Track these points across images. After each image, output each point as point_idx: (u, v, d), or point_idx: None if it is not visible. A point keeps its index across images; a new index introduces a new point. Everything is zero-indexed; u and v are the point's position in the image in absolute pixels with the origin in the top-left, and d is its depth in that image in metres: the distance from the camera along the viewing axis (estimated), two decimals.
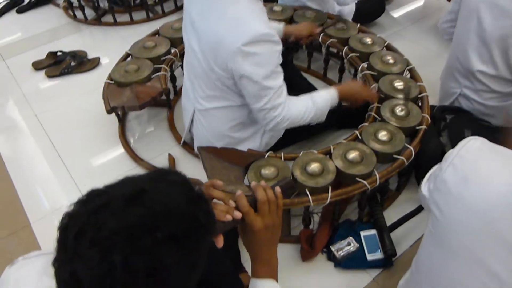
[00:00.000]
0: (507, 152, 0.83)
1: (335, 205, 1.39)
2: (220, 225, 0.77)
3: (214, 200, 0.81)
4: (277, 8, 2.09)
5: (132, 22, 2.62)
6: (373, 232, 1.43)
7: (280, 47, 1.27)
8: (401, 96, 1.59)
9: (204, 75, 1.38)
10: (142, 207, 0.53)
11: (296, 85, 1.90)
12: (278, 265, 0.89)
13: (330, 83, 2.11)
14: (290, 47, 2.22)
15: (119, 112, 1.84)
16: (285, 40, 1.82)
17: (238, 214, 0.78)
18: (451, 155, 0.86)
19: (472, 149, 0.84)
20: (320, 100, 1.43)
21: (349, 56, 1.85)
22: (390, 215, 1.52)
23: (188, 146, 1.80)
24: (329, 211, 1.43)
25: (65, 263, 0.51)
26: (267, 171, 1.33)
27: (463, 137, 1.50)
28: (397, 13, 2.80)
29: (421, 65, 1.96)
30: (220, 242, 0.79)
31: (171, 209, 0.54)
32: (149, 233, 0.51)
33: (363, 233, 1.43)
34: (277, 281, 0.87)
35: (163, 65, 1.82)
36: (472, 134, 1.55)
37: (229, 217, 0.77)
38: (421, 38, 2.50)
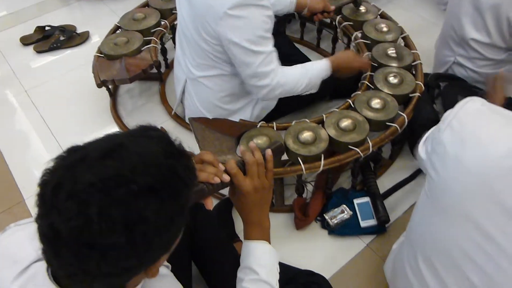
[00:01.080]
0: (508, 113, 0.81)
1: (328, 173, 1.39)
2: (209, 187, 0.77)
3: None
4: None
5: None
6: (366, 199, 1.44)
7: (269, 12, 1.24)
8: (394, 63, 1.57)
9: (194, 43, 1.36)
10: (118, 160, 0.52)
11: (289, 55, 1.87)
12: (270, 227, 0.89)
13: (323, 53, 2.08)
14: (283, 18, 2.18)
15: (110, 86, 1.82)
16: (298, 13, 1.78)
17: (226, 177, 0.78)
18: (449, 116, 0.85)
19: (471, 110, 0.82)
20: (313, 70, 1.42)
21: (342, 25, 1.82)
22: (384, 183, 1.52)
23: (180, 119, 1.79)
24: (322, 179, 1.43)
25: (44, 216, 0.51)
26: (260, 141, 1.32)
27: (455, 104, 1.51)
28: None
29: (416, 33, 1.93)
30: (209, 204, 0.79)
31: (147, 161, 0.54)
32: (124, 185, 0.51)
33: (356, 201, 1.43)
34: (269, 242, 0.87)
35: (153, 37, 1.79)
36: None
37: (217, 179, 0.77)
38: (416, 7, 2.46)
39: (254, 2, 1.19)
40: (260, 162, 0.83)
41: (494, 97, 1.18)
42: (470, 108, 0.82)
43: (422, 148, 0.92)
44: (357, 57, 1.55)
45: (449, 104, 1.52)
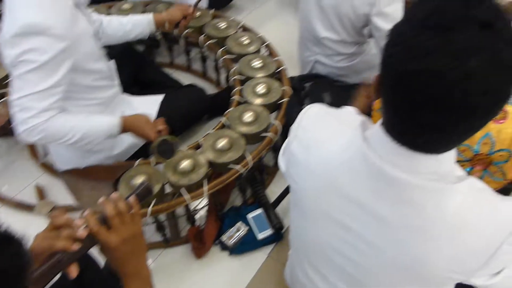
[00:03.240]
0: (340, 114, 0.87)
1: (216, 196, 1.39)
2: (67, 255, 0.71)
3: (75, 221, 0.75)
4: (126, 5, 1.99)
5: None
6: (259, 211, 1.46)
7: (62, 44, 1.12)
8: (260, 74, 1.63)
9: None
10: None
11: (160, 83, 1.85)
12: (150, 274, 0.85)
13: (196, 74, 2.09)
14: (150, 44, 2.15)
15: None
16: (161, 30, 1.72)
17: (82, 234, 0.73)
18: (295, 127, 0.88)
19: (311, 117, 0.86)
20: (96, 126, 1.26)
21: (206, 44, 1.83)
22: (274, 190, 1.56)
23: (53, 169, 1.66)
24: (212, 203, 1.42)
25: None
26: (139, 180, 1.28)
27: (322, 101, 1.60)
28: None
29: (283, 39, 2.03)
30: (73, 272, 0.73)
31: None
32: None
33: (250, 215, 1.45)
34: None
35: (7, 89, 1.64)
36: (331, 96, 1.66)
37: (75, 247, 0.72)
38: (280, 12, 2.59)
39: (41, 30, 1.08)
40: (124, 212, 0.79)
41: (356, 104, 1.27)
42: (310, 115, 0.86)
43: (281, 160, 0.95)
44: (149, 124, 1.37)
45: (317, 101, 1.61)
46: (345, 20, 1.55)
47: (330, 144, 0.77)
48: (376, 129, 0.68)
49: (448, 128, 0.58)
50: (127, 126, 1.31)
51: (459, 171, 0.70)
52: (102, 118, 1.30)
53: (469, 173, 1.23)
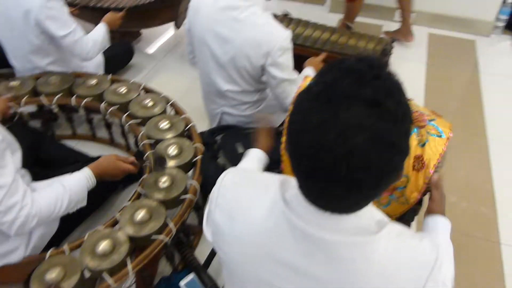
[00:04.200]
0: (257, 178, 0.88)
1: (143, 271, 1.32)
2: None
3: None
4: (14, 83, 1.86)
5: None
6: (191, 276, 1.40)
7: None
8: (170, 134, 1.61)
9: None
10: None
11: (63, 160, 1.74)
12: None
13: (102, 142, 2.01)
14: (46, 118, 2.03)
15: None
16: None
17: None
18: (214, 195, 0.87)
19: (229, 184, 0.86)
20: (73, 186, 1.29)
21: (109, 111, 1.78)
22: (203, 250, 1.53)
23: None
24: (139, 280, 1.34)
25: None
26: (54, 274, 1.16)
27: (236, 152, 1.63)
28: (151, 49, 2.86)
29: (188, 93, 2.04)
30: None
31: None
32: None
33: (182, 282, 1.38)
34: None
35: None
36: (243, 145, 1.69)
37: None
38: (180, 67, 2.61)
39: None
40: None
41: (259, 145, 1.29)
42: (227, 183, 0.86)
43: (206, 230, 0.93)
44: (121, 162, 1.44)
45: (230, 154, 1.64)
46: (243, 73, 1.61)
47: (253, 211, 0.78)
48: (295, 192, 0.70)
49: (345, 197, 0.61)
50: (100, 171, 1.37)
51: (377, 214, 0.74)
52: (73, 176, 1.32)
53: (378, 199, 1.32)
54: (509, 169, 2.01)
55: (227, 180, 0.86)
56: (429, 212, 1.14)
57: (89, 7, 2.54)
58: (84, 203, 1.33)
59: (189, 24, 1.68)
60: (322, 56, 1.97)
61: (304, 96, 0.61)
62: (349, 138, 0.54)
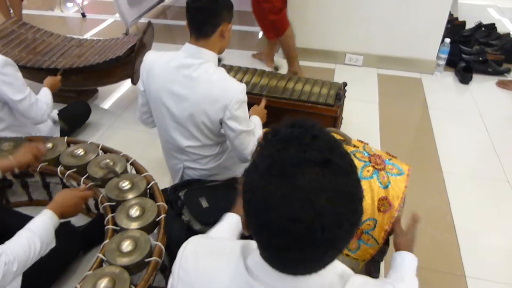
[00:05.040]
0: (218, 245, 0.86)
1: None
2: None
3: None
4: None
5: None
6: None
7: None
8: (131, 195, 1.57)
9: None
10: None
11: (17, 229, 1.65)
12: None
13: None
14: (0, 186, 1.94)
15: None
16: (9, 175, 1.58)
17: None
18: (175, 268, 0.85)
19: (189, 255, 0.83)
20: (38, 228, 1.30)
21: (66, 174, 1.73)
22: None
23: None
24: None
25: None
26: None
27: (201, 207, 1.61)
28: (107, 104, 2.84)
29: (149, 148, 2.01)
30: None
31: None
32: None
33: None
34: None
35: None
36: (207, 199, 1.68)
37: None
38: (138, 122, 2.58)
39: None
40: None
41: (236, 210, 1.28)
42: (188, 254, 0.83)
43: None
44: (75, 191, 1.49)
45: (195, 210, 1.62)
46: (202, 128, 1.63)
47: (216, 282, 0.76)
48: (257, 258, 0.69)
49: (319, 258, 0.62)
50: (59, 207, 1.38)
51: (339, 265, 0.75)
52: (36, 219, 1.33)
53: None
54: (466, 201, 2.09)
55: (188, 251, 0.84)
56: (397, 248, 1.17)
57: (27, 67, 2.53)
58: (53, 244, 1.33)
59: (143, 85, 1.68)
60: (263, 102, 2.01)
61: (254, 174, 0.62)
62: (314, 202, 0.56)
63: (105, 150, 1.86)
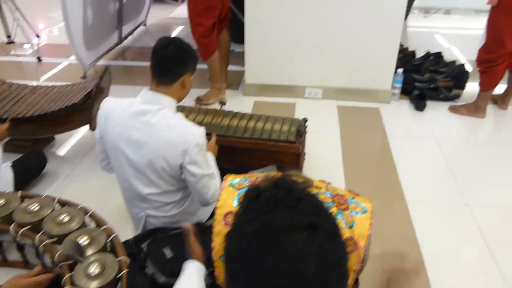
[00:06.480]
0: None
1: None
2: None
3: None
4: None
5: None
6: None
7: None
8: (90, 251, 1.50)
9: None
10: None
11: None
12: None
13: (15, 265, 1.82)
14: None
15: None
16: None
17: None
18: None
19: None
20: None
21: (19, 233, 1.63)
22: None
23: None
24: None
25: None
26: None
27: (165, 258, 1.55)
28: (64, 151, 2.75)
29: (110, 196, 1.94)
30: None
31: None
32: None
33: None
34: None
35: None
36: (172, 249, 1.62)
37: None
38: (97, 169, 2.49)
39: None
40: None
41: (193, 255, 1.25)
42: None
43: None
44: (23, 279, 1.35)
45: (158, 261, 1.56)
46: (162, 174, 1.59)
47: None
48: None
49: None
50: None
51: None
52: None
53: None
54: (430, 227, 2.13)
55: None
56: None
57: None
58: None
59: (101, 132, 1.65)
60: (214, 138, 2.02)
61: (240, 238, 0.61)
62: (304, 270, 0.56)
63: (62, 203, 1.77)
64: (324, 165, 2.54)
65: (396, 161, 2.65)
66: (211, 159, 1.81)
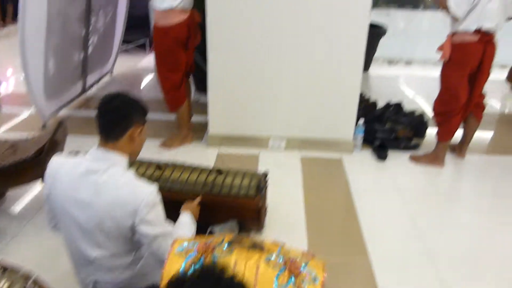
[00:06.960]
0: None
1: None
2: None
3: None
4: None
5: None
6: None
7: None
8: None
9: None
10: None
11: None
12: None
13: None
14: None
15: None
16: None
17: None
18: None
19: None
20: None
21: None
22: None
23: None
24: None
25: None
26: None
27: None
28: (15, 209, 2.61)
29: (60, 257, 1.82)
30: None
31: None
32: None
33: None
34: None
35: None
36: None
37: None
38: (42, 232, 2.33)
39: None
40: None
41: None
42: None
43: None
44: None
45: None
46: (111, 235, 1.51)
47: None
48: None
49: None
50: None
51: None
52: None
53: None
54: (394, 285, 2.10)
55: None
56: None
57: None
58: None
59: (48, 191, 1.58)
60: (198, 199, 1.98)
61: None
62: None
63: (4, 268, 1.65)
64: (286, 220, 2.50)
65: (359, 214, 2.64)
66: (184, 220, 1.76)
